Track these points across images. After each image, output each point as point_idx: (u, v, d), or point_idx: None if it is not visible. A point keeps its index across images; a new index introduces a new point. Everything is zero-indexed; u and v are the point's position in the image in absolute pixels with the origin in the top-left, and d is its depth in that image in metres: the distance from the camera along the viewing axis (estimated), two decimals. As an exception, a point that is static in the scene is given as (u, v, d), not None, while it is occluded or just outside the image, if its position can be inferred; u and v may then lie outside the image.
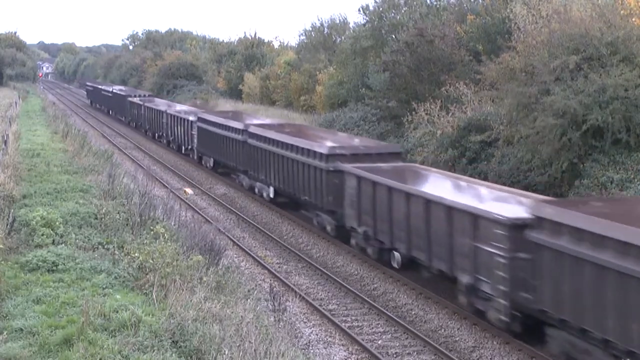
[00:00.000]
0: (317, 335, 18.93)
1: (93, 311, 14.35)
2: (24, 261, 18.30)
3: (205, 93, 77.97)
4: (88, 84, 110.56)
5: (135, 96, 71.40)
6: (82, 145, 40.10)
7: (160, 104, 61.58)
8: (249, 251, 26.64)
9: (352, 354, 17.82)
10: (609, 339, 14.42)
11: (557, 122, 25.30)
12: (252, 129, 35.24)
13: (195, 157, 46.26)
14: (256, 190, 34.92)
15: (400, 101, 40.36)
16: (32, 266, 17.98)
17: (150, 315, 14.72)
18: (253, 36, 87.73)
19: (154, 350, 13.23)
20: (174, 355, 13.21)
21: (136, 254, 17.81)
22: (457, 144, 31.80)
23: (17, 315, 14.84)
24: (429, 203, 20.59)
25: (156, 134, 58.65)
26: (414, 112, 36.50)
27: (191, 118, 46.50)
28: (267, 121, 40.63)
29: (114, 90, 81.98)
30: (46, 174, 30.09)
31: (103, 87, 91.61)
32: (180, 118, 49.36)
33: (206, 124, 42.75)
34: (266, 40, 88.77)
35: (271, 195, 33.04)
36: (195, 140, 45.33)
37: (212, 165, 43.07)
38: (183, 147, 49.35)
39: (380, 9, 51.98)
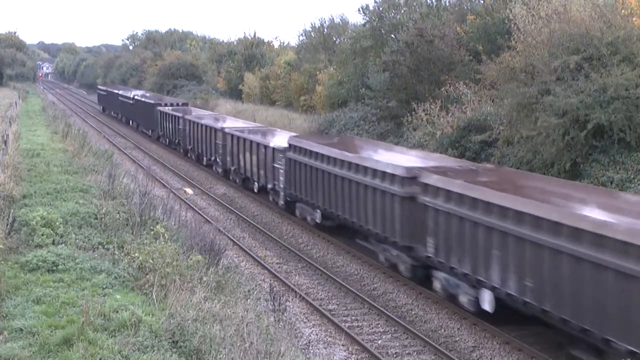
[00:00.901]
0: (317, 335, 18.93)
1: (93, 311, 14.34)
2: (24, 261, 18.29)
3: (205, 93, 77.98)
4: (100, 87, 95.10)
5: (166, 105, 57.97)
6: (82, 145, 40.10)
7: (205, 116, 47.97)
8: (249, 251, 26.64)
9: (352, 354, 17.82)
10: None
11: (560, 121, 25.32)
12: (432, 180, 20.21)
13: (282, 202, 31.70)
14: (437, 285, 20.87)
15: (400, 101, 40.37)
16: (32, 266, 17.97)
17: (150, 315, 14.72)
18: (253, 36, 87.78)
19: (154, 350, 13.23)
20: (174, 355, 13.20)
21: (136, 254, 17.80)
22: (457, 144, 31.82)
23: (17, 315, 14.84)
24: None
25: (204, 158, 44.60)
26: (413, 112, 36.51)
27: (273, 144, 32.25)
28: (437, 160, 24.26)
29: (137, 97, 67.68)
30: (46, 174, 30.08)
31: (121, 92, 76.84)
32: (253, 142, 34.67)
33: (307, 157, 28.16)
34: (266, 40, 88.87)
35: (487, 308, 18.65)
36: (282, 179, 31.07)
37: (318, 219, 28.33)
38: (256, 184, 35.19)
39: (380, 9, 52.01)
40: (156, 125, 57.57)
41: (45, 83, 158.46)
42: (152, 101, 60.80)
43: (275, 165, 31.79)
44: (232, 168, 38.73)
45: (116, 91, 79.97)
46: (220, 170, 41.35)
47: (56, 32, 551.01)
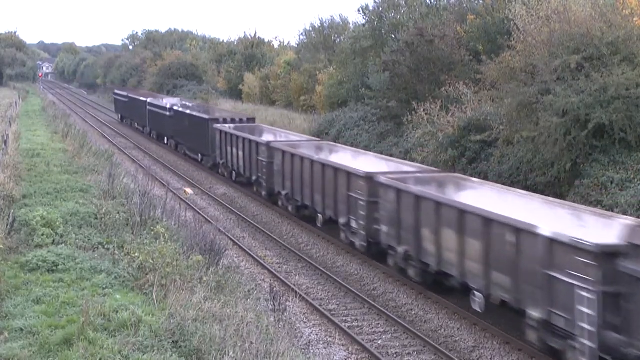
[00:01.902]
0: (317, 335, 18.93)
1: (93, 311, 14.35)
2: (24, 261, 18.29)
3: (205, 93, 77.98)
4: (119, 92, 78.29)
5: (225, 121, 42.51)
6: (82, 145, 40.12)
7: (302, 144, 32.54)
8: (249, 251, 26.64)
9: (352, 354, 17.81)
10: None
11: (561, 121, 25.32)
12: None
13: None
14: None
15: (400, 101, 40.33)
16: (32, 266, 17.98)
17: (150, 315, 14.72)
18: (253, 36, 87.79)
19: (154, 350, 13.23)
20: (174, 355, 13.20)
21: (136, 254, 17.81)
22: (457, 144, 31.79)
23: (17, 315, 14.84)
24: None
25: (319, 215, 27.82)
26: (414, 112, 36.48)
27: (551, 233, 15.81)
28: None
29: (176, 108, 51.61)
30: (46, 174, 30.10)
31: (150, 100, 60.61)
32: (471, 215, 18.63)
33: None
34: (266, 40, 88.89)
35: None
36: (590, 313, 14.68)
37: None
38: (478, 299, 18.77)
39: (380, 9, 51.97)
40: (211, 149, 41.93)
41: (45, 83, 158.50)
42: (203, 115, 44.67)
43: (564, 278, 15.44)
44: (404, 250, 21.93)
45: (143, 98, 63.30)
46: (361, 243, 24.47)
47: (56, 32, 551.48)
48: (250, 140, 35.46)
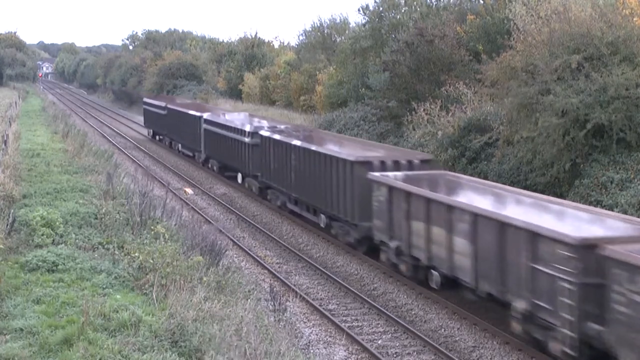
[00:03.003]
0: (317, 335, 18.93)
1: (93, 311, 14.35)
2: (24, 261, 18.29)
3: (205, 93, 77.93)
4: (150, 101, 60.96)
5: (384, 165, 25.18)
6: (82, 145, 40.12)
7: None
8: (249, 251, 26.64)
9: (352, 354, 17.82)
10: None
11: (560, 121, 25.31)
12: None
13: None
14: None
15: (400, 101, 40.34)
16: (32, 266, 17.97)
17: (150, 315, 14.72)
18: (253, 36, 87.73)
19: (154, 350, 13.23)
20: (174, 355, 13.20)
21: (136, 254, 17.82)
22: (457, 144, 31.80)
23: (17, 315, 14.83)
24: None
25: None
26: (414, 112, 36.49)
27: None
28: None
29: (271, 136, 33.12)
30: (46, 174, 30.10)
31: (207, 117, 43.81)
32: None
33: None
34: (266, 40, 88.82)
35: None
36: None
37: None
38: None
39: (380, 8, 51.95)
40: (357, 214, 25.33)
41: (45, 83, 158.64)
42: (342, 155, 26.69)
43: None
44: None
45: (195, 113, 46.38)
46: None
47: (56, 32, 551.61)
48: (503, 224, 17.72)
